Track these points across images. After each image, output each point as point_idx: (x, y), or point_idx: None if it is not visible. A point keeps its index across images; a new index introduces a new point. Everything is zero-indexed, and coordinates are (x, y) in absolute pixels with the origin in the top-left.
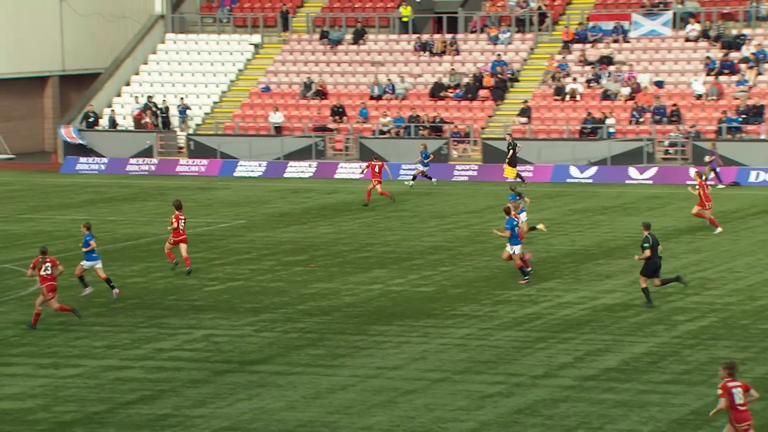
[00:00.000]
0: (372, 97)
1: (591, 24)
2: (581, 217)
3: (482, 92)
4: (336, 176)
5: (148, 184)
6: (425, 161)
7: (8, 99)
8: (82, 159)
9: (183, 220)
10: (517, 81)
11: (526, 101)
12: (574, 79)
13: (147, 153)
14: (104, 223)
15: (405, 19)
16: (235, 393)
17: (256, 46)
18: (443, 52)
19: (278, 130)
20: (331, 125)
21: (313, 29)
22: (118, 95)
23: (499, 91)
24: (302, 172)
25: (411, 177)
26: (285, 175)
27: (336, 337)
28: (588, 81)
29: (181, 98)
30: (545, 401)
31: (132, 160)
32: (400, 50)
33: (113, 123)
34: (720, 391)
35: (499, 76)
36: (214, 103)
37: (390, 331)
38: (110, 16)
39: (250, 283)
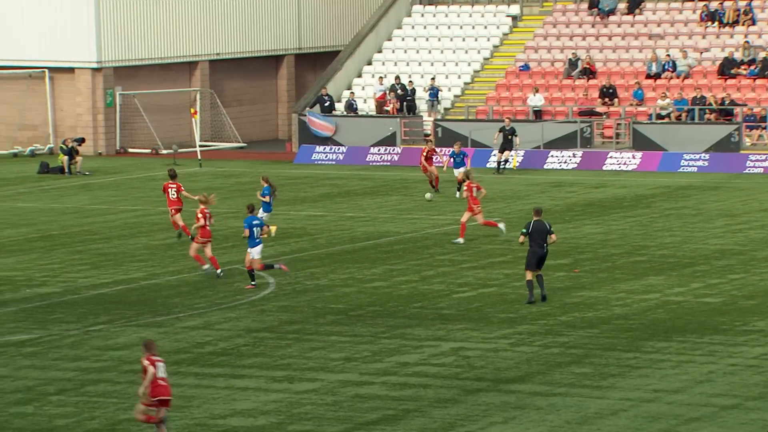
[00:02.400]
0: (649, 76)
1: None
2: None
3: None
4: (605, 168)
5: (390, 176)
6: (457, 161)
7: (240, 81)
8: (318, 148)
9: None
10: None
11: None
12: None
13: (390, 141)
14: (342, 220)
15: None
16: (488, 415)
17: (515, 18)
18: (735, 22)
19: (538, 114)
20: (600, 109)
21: None
22: (359, 76)
23: None
24: (565, 162)
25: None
26: (545, 166)
27: (605, 354)
28: None
29: (431, 78)
30: None
31: (373, 149)
32: (683, 20)
33: (352, 107)
34: (146, 363)
35: None
36: (465, 84)
37: (669, 348)
38: None
39: (504, 289)
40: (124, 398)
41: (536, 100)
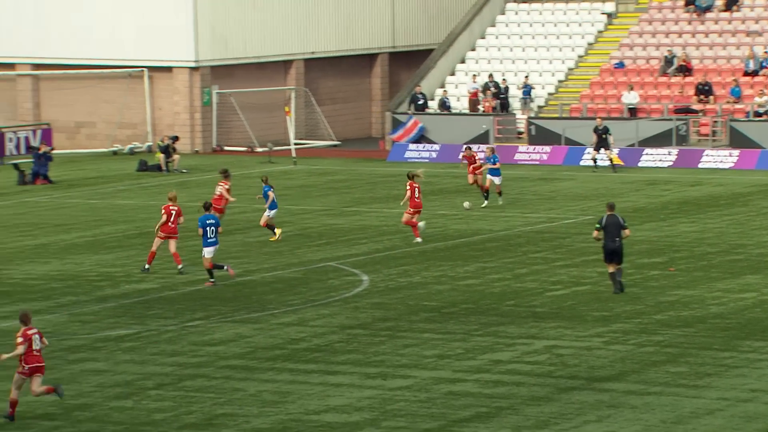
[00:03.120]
0: (746, 73)
1: None
2: None
3: None
4: (700, 165)
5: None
6: (492, 167)
7: (334, 79)
8: (412, 146)
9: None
10: None
11: None
12: None
13: (483, 139)
14: (435, 217)
15: None
16: (582, 413)
17: (610, 15)
18: None
19: (633, 112)
20: (696, 106)
21: None
22: (452, 74)
23: None
24: (660, 160)
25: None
26: (640, 164)
27: (701, 353)
28: None
29: (525, 76)
30: None
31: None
32: None
33: (445, 105)
34: (20, 339)
35: None
36: (559, 81)
37: (766, 347)
38: None
39: (598, 288)
40: (221, 393)
41: (631, 98)
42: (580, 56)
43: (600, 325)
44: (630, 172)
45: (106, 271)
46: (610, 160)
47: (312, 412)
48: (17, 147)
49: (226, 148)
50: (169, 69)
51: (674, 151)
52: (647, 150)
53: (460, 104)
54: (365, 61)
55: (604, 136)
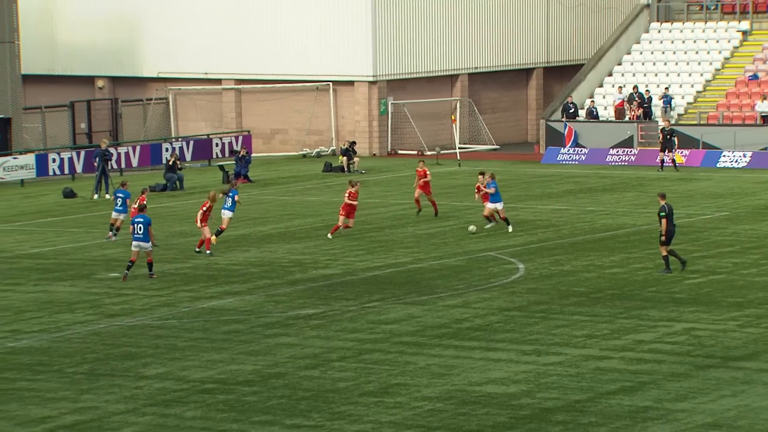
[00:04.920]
0: None
1: None
2: None
3: None
4: None
5: (627, 174)
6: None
7: (495, 91)
8: (563, 150)
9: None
10: None
11: None
12: None
13: (627, 143)
14: (584, 213)
15: None
16: (717, 389)
17: (745, 32)
18: None
19: (766, 119)
20: None
21: None
22: (600, 86)
23: None
24: None
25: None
26: None
27: None
28: None
29: (666, 88)
30: None
31: (612, 151)
32: None
33: (593, 114)
34: None
35: None
36: (697, 92)
37: None
38: (595, 7)
39: (732, 276)
40: (395, 365)
41: (764, 107)
42: (716, 69)
43: (734, 309)
44: (763, 173)
45: (296, 258)
46: (673, 160)
47: (474, 384)
48: (222, 151)
49: (399, 151)
50: (350, 83)
51: None
52: None
53: (606, 113)
54: (522, 74)
55: (669, 137)
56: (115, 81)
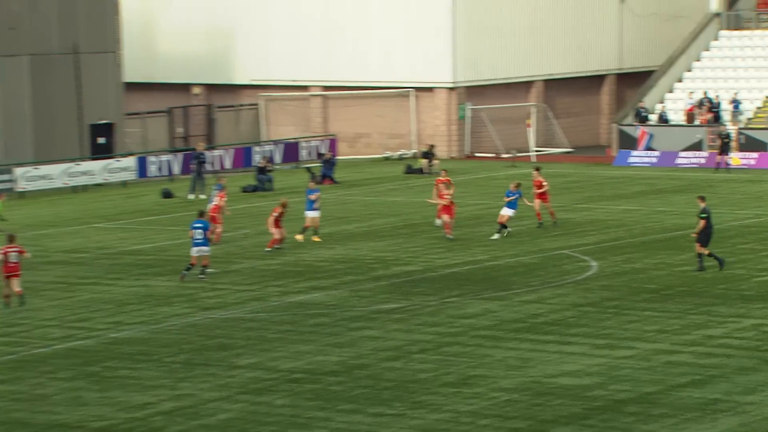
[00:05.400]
0: None
1: None
2: None
3: None
4: None
5: (697, 176)
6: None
7: (568, 96)
8: (634, 152)
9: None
10: None
11: None
12: None
13: (697, 147)
14: (654, 213)
15: None
16: None
17: None
18: None
19: None
20: None
21: None
22: (670, 91)
23: None
24: None
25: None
26: None
27: None
28: None
29: (734, 93)
30: None
31: (682, 154)
32: None
33: (663, 118)
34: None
35: None
36: (766, 97)
37: None
38: (666, 15)
39: None
40: (473, 358)
41: None
42: None
43: None
44: None
45: (378, 256)
46: (727, 163)
47: (549, 376)
48: (309, 154)
49: (477, 154)
50: (431, 89)
51: None
52: None
53: (677, 117)
54: (595, 81)
55: (726, 141)
56: (210, 88)
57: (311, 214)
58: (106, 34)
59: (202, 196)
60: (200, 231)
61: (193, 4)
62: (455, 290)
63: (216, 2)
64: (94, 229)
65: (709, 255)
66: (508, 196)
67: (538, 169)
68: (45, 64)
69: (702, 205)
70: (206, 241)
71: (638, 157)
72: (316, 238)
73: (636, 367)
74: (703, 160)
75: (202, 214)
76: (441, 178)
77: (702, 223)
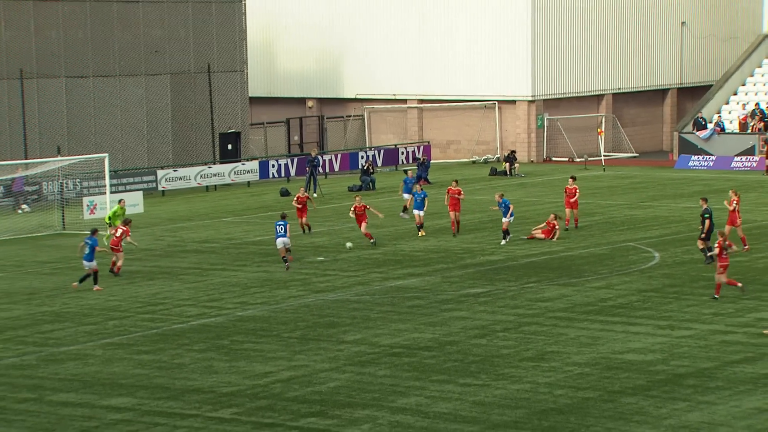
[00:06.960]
0: None
1: None
2: None
3: None
4: None
5: (749, 178)
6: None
7: (634, 108)
8: (694, 157)
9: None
10: None
11: None
12: None
13: (749, 152)
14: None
15: None
16: None
17: None
18: None
19: None
20: None
21: None
22: (726, 103)
23: None
24: None
25: None
26: None
27: None
28: None
29: None
30: None
31: (736, 158)
32: None
33: (720, 127)
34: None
35: None
36: None
37: None
38: (723, 36)
39: None
40: (550, 336)
41: None
42: None
43: None
44: None
45: (467, 246)
46: None
47: (617, 352)
48: (406, 158)
49: (553, 158)
50: (513, 102)
51: None
52: None
53: (732, 126)
54: (659, 94)
55: None
56: (322, 101)
57: (419, 212)
58: (234, 55)
59: (315, 195)
60: (282, 227)
61: (307, 29)
62: (533, 277)
63: (326, 27)
64: (223, 222)
65: (702, 250)
66: (500, 207)
67: (574, 178)
68: (183, 82)
69: (704, 206)
70: (286, 234)
71: (697, 161)
72: (421, 233)
73: (694, 345)
74: (754, 164)
75: (284, 216)
76: (452, 188)
77: (707, 222)
